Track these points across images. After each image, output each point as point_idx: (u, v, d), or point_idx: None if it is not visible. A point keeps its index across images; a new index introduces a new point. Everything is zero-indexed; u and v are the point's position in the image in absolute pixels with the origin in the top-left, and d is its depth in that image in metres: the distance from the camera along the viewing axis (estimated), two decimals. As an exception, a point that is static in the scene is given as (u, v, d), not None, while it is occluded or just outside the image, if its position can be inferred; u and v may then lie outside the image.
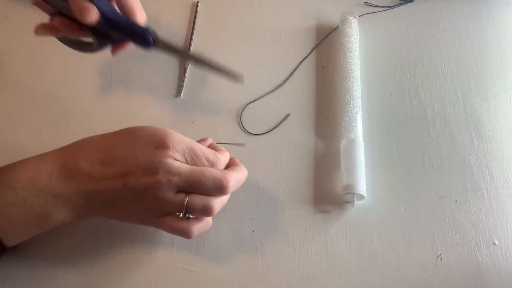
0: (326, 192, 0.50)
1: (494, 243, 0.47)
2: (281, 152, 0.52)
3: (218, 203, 0.41)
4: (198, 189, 0.40)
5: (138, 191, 0.39)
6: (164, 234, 0.47)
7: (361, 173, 0.48)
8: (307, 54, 0.59)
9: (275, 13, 0.62)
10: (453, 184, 0.50)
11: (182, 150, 0.40)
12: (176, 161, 0.40)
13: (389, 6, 0.62)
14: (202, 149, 0.42)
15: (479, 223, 0.48)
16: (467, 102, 0.55)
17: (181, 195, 0.40)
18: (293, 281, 0.45)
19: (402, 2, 0.62)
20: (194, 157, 0.41)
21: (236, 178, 0.42)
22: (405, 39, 0.60)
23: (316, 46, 0.59)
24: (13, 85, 0.56)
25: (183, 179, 0.39)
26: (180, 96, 0.56)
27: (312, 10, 0.62)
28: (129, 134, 0.41)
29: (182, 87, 0.56)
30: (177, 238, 0.47)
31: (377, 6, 0.62)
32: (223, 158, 0.44)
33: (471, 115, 0.54)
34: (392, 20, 0.61)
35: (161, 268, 0.46)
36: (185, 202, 0.40)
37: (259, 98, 0.55)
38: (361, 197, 0.48)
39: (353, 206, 0.48)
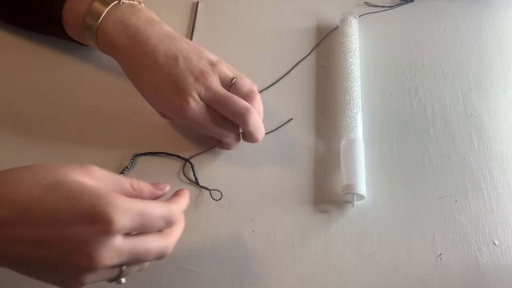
0: (326, 192, 0.50)
1: (494, 243, 0.47)
2: (281, 152, 0.52)
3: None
4: (139, 261, 0.35)
5: (59, 267, 0.32)
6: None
7: (361, 173, 0.48)
8: (307, 54, 0.59)
9: (275, 13, 0.62)
10: (453, 184, 0.50)
11: (130, 220, 0.32)
12: (117, 240, 0.31)
13: (389, 6, 0.62)
14: (153, 209, 0.34)
15: (479, 223, 0.48)
16: (467, 102, 0.55)
17: (116, 270, 0.34)
18: (293, 281, 0.45)
19: (402, 2, 0.62)
20: (145, 221, 0.33)
21: (179, 232, 0.37)
22: (405, 39, 0.60)
23: (316, 46, 0.59)
24: (11, 85, 0.56)
25: (124, 259, 0.33)
26: (180, 96, 0.56)
27: (312, 10, 0.62)
28: (61, 194, 0.32)
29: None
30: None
31: (377, 6, 0.62)
32: (178, 207, 0.37)
33: (471, 115, 0.54)
34: (392, 20, 0.61)
35: (161, 268, 0.46)
36: (122, 271, 0.34)
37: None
38: (361, 197, 0.48)
39: (353, 206, 0.48)
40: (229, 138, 0.48)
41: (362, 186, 0.47)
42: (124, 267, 0.34)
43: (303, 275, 0.45)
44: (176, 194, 0.38)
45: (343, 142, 0.51)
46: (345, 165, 0.49)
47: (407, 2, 0.62)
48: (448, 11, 0.62)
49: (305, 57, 0.59)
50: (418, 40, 0.59)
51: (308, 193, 0.50)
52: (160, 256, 0.35)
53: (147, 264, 0.37)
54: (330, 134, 0.53)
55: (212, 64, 0.47)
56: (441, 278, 0.45)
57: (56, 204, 0.31)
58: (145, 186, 0.37)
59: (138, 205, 0.33)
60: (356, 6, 0.62)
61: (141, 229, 0.33)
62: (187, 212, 0.48)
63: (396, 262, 0.46)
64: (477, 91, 0.56)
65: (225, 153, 0.52)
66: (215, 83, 0.46)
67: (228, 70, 0.48)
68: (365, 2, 0.62)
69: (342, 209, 0.49)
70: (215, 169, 0.51)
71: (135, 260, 0.34)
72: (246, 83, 0.48)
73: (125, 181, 0.36)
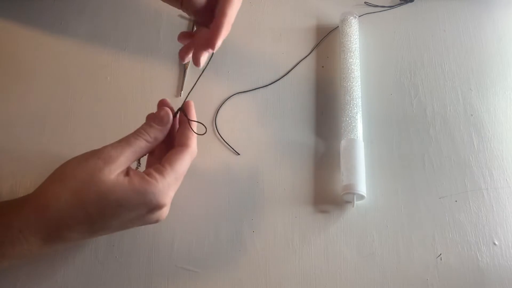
0: (326, 192, 0.50)
1: (494, 243, 0.47)
2: (281, 152, 0.52)
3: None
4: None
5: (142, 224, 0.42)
6: (164, 234, 0.47)
7: (361, 173, 0.48)
8: (307, 54, 0.59)
9: (275, 13, 0.62)
10: (453, 184, 0.50)
11: (175, 188, 0.41)
12: (167, 205, 0.41)
13: (389, 6, 0.62)
14: (181, 166, 0.41)
15: (479, 223, 0.48)
16: (467, 102, 0.55)
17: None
18: (293, 281, 0.45)
19: (402, 2, 0.62)
20: (181, 178, 0.41)
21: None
22: (405, 39, 0.60)
23: (316, 46, 0.59)
24: (12, 85, 0.56)
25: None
26: (180, 96, 0.56)
27: (312, 10, 0.62)
28: (115, 206, 0.38)
29: (182, 87, 0.56)
30: (177, 238, 0.47)
31: (377, 6, 0.62)
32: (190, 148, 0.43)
33: (471, 115, 0.54)
34: (392, 20, 0.61)
35: (161, 268, 0.46)
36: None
37: (250, 90, 0.56)
38: (361, 197, 0.48)
39: (353, 206, 0.48)
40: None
41: (362, 186, 0.47)
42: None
43: (303, 275, 0.45)
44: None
45: (343, 142, 0.51)
46: (345, 165, 0.49)
47: (407, 2, 0.62)
48: (448, 11, 0.62)
49: (305, 57, 0.58)
50: (418, 40, 0.59)
51: (308, 193, 0.50)
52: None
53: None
54: (330, 134, 0.53)
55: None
56: (441, 278, 0.45)
57: (115, 213, 0.38)
58: (157, 133, 0.42)
59: (171, 174, 0.39)
60: (356, 6, 0.62)
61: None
62: (185, 213, 0.49)
63: (396, 262, 0.46)
64: (477, 91, 0.56)
65: (225, 153, 0.52)
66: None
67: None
68: (365, 2, 0.62)
69: (342, 209, 0.49)
70: (215, 170, 0.51)
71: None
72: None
73: (139, 144, 0.40)
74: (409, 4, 0.62)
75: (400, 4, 0.62)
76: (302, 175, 0.51)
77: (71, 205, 0.37)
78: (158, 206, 0.39)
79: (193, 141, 0.42)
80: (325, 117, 0.54)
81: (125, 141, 0.40)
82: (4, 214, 0.38)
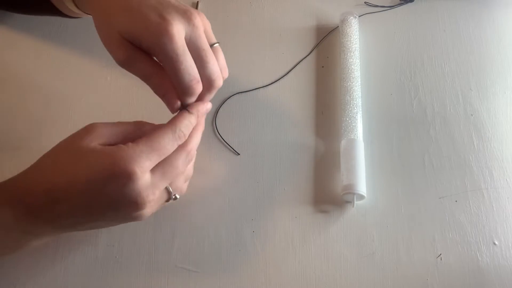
0: (326, 192, 0.50)
1: (494, 243, 0.47)
2: (281, 152, 0.52)
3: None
4: (175, 177, 0.40)
5: (118, 217, 0.39)
6: (164, 234, 0.47)
7: (361, 173, 0.48)
8: (307, 54, 0.59)
9: (275, 13, 0.62)
10: (453, 184, 0.50)
11: (146, 160, 0.36)
12: (146, 179, 0.36)
13: (389, 6, 0.62)
14: (160, 138, 0.38)
15: (479, 223, 0.48)
16: (467, 102, 0.55)
17: (165, 193, 0.40)
18: (293, 281, 0.45)
19: (402, 2, 0.62)
20: (160, 151, 0.38)
21: (197, 136, 0.41)
22: (405, 39, 0.60)
23: (316, 46, 0.59)
24: (12, 85, 0.56)
25: (162, 185, 0.38)
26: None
27: (312, 10, 0.62)
28: (100, 188, 0.36)
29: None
30: (177, 238, 0.47)
31: (377, 6, 0.62)
32: (183, 121, 0.40)
33: (471, 115, 0.54)
34: (392, 20, 0.61)
35: (161, 268, 0.46)
36: (170, 192, 0.40)
37: (250, 90, 0.56)
38: (361, 197, 0.48)
39: (353, 206, 0.48)
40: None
41: (362, 186, 0.47)
42: (169, 188, 0.39)
43: (303, 275, 0.45)
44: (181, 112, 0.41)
45: (343, 142, 0.51)
46: (345, 165, 0.49)
47: (407, 2, 0.62)
48: (448, 11, 0.62)
49: (305, 57, 0.59)
50: (418, 40, 0.59)
51: (308, 193, 0.50)
52: (190, 161, 0.40)
53: (190, 173, 0.44)
54: (330, 134, 0.53)
55: (199, 14, 0.40)
56: (441, 278, 0.45)
57: (83, 177, 0.35)
58: (150, 127, 0.40)
59: (145, 143, 0.36)
60: (356, 6, 0.62)
61: (162, 157, 0.38)
62: (185, 213, 0.49)
63: (396, 262, 0.46)
64: (477, 91, 0.56)
65: (225, 153, 0.52)
66: (201, 29, 0.40)
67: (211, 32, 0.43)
68: (365, 2, 0.62)
69: (342, 209, 0.49)
70: (215, 170, 0.51)
71: (171, 179, 0.39)
72: (223, 58, 0.44)
73: (129, 126, 0.39)
74: (409, 4, 0.62)
75: (400, 4, 0.62)
76: (302, 175, 0.51)
77: (43, 168, 0.37)
78: (126, 172, 0.35)
79: (177, 120, 0.39)
80: (325, 117, 0.54)
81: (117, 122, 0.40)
82: None
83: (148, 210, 0.38)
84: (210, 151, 0.52)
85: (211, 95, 0.43)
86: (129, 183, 0.35)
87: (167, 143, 0.38)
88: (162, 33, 0.37)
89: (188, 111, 0.40)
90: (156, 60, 0.40)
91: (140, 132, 0.39)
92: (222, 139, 0.53)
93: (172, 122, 0.39)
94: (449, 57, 0.58)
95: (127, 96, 0.56)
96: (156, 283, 0.45)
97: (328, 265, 0.46)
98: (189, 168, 0.43)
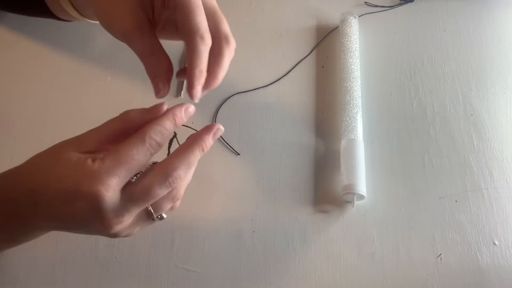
0: (326, 192, 0.50)
1: (494, 243, 0.47)
2: (281, 152, 0.52)
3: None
4: (151, 198, 0.35)
5: (88, 231, 0.36)
6: (164, 234, 0.47)
7: (361, 173, 0.48)
8: (307, 54, 0.59)
9: (275, 13, 0.62)
10: (453, 184, 0.50)
11: (113, 178, 0.33)
12: (114, 199, 0.33)
13: (389, 6, 0.62)
14: (127, 151, 0.34)
15: (479, 223, 0.48)
16: (467, 102, 0.55)
17: (143, 214, 0.36)
18: (293, 281, 0.45)
19: (402, 2, 0.62)
20: (130, 166, 0.34)
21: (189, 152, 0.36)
22: (405, 39, 0.60)
23: (316, 46, 0.59)
24: (12, 85, 0.56)
25: (135, 206, 0.34)
26: (180, 96, 0.56)
27: (312, 10, 0.62)
28: (72, 196, 0.33)
29: (182, 88, 0.56)
30: (177, 238, 0.47)
31: (377, 6, 0.62)
32: (155, 127, 0.36)
33: (471, 115, 0.54)
34: (392, 20, 0.61)
35: (161, 268, 0.46)
36: (150, 212, 0.36)
37: (250, 90, 0.56)
38: (361, 197, 0.48)
39: (353, 206, 0.48)
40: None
41: (362, 186, 0.47)
42: (149, 209, 0.36)
43: (303, 275, 0.45)
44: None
45: (343, 142, 0.51)
46: (345, 165, 0.49)
47: (407, 2, 0.62)
48: (448, 11, 0.62)
49: (305, 57, 0.59)
50: (418, 40, 0.59)
51: (308, 193, 0.50)
52: (170, 184, 0.35)
53: (177, 195, 0.38)
54: (330, 134, 0.53)
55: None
56: (441, 278, 0.45)
57: (54, 186, 0.33)
58: (136, 115, 0.36)
59: (112, 157, 0.33)
60: (356, 6, 0.62)
61: (133, 170, 0.34)
62: (185, 213, 0.48)
63: (396, 262, 0.46)
64: (477, 91, 0.56)
65: (225, 153, 0.52)
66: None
67: None
68: (365, 2, 0.62)
69: (342, 209, 0.49)
70: (215, 170, 0.51)
71: (145, 204, 0.34)
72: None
73: (114, 123, 0.36)
74: (409, 4, 0.62)
75: (400, 4, 0.62)
76: (302, 175, 0.51)
77: (30, 168, 0.36)
78: (90, 192, 0.32)
79: (147, 126, 0.35)
80: (325, 117, 0.54)
81: (106, 121, 0.36)
82: None
83: (125, 231, 0.36)
84: (210, 151, 0.52)
85: (224, 60, 0.39)
86: (94, 203, 0.32)
87: (136, 154, 0.34)
88: None
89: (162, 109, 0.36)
90: (158, 41, 0.39)
91: (126, 126, 0.36)
92: (222, 139, 0.53)
93: (140, 130, 0.35)
94: (449, 57, 0.58)
95: (127, 96, 0.56)
96: (156, 283, 0.45)
97: (328, 265, 0.46)
98: (177, 189, 0.38)
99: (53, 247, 0.46)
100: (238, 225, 0.48)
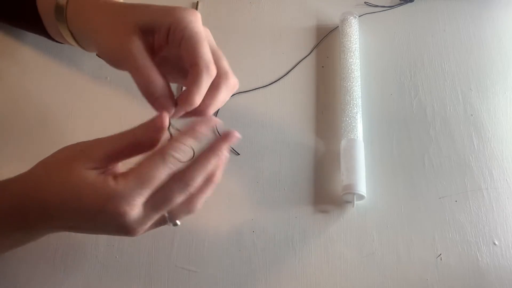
0: (326, 192, 0.50)
1: (494, 243, 0.47)
2: (281, 152, 0.52)
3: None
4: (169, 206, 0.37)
5: (111, 234, 0.39)
6: (164, 234, 0.47)
7: (361, 173, 0.48)
8: (307, 54, 0.59)
9: (275, 13, 0.62)
10: (453, 184, 0.50)
11: (137, 195, 0.34)
12: (137, 211, 0.35)
13: (389, 6, 0.62)
14: (148, 169, 0.35)
15: (479, 223, 0.48)
16: (467, 102, 0.55)
17: (160, 220, 0.38)
18: (293, 281, 0.45)
19: (402, 2, 0.62)
20: (150, 183, 0.35)
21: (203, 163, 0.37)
22: (405, 39, 0.60)
23: (316, 46, 0.59)
24: (12, 85, 0.56)
25: (155, 215, 0.36)
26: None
27: (312, 10, 0.62)
28: (95, 213, 0.35)
29: (182, 87, 0.56)
30: (177, 238, 0.47)
31: (377, 6, 0.62)
32: (173, 145, 0.36)
33: (471, 115, 0.54)
34: (392, 20, 0.61)
35: (161, 268, 0.46)
36: (166, 219, 0.38)
37: (250, 90, 0.56)
38: (361, 197, 0.48)
39: (353, 206, 0.48)
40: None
41: (362, 186, 0.47)
42: (166, 215, 0.37)
43: (303, 275, 0.45)
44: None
45: (343, 142, 0.51)
46: (345, 165, 0.49)
47: (407, 2, 0.62)
48: (448, 11, 0.62)
49: (305, 57, 0.59)
50: (418, 40, 0.59)
51: (308, 193, 0.50)
52: (186, 192, 0.36)
53: (193, 208, 0.39)
54: (330, 134, 0.53)
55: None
56: (441, 278, 0.45)
57: (74, 205, 0.35)
58: (142, 132, 0.37)
59: (135, 177, 0.34)
60: (356, 6, 0.62)
61: (153, 188, 0.35)
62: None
63: (396, 262, 0.46)
64: (477, 91, 0.56)
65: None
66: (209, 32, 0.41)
67: None
68: (365, 2, 0.62)
69: (342, 209, 0.49)
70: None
71: (165, 210, 0.37)
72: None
73: (122, 140, 0.37)
74: (409, 4, 0.62)
75: (400, 4, 0.62)
76: (302, 175, 0.51)
77: (38, 179, 0.37)
78: (116, 212, 0.34)
79: (168, 145, 0.36)
80: (325, 117, 0.54)
81: (112, 136, 0.37)
82: None
83: (142, 232, 0.37)
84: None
85: (228, 91, 0.41)
86: (120, 220, 0.34)
87: (157, 174, 0.35)
88: (188, 12, 0.38)
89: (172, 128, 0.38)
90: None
91: (133, 142, 0.37)
92: (222, 139, 0.53)
93: (161, 148, 0.36)
94: (449, 57, 0.58)
95: (127, 96, 0.56)
96: (156, 283, 0.45)
97: (328, 265, 0.46)
98: (194, 202, 0.39)
99: (53, 247, 0.46)
100: (238, 225, 0.48)
